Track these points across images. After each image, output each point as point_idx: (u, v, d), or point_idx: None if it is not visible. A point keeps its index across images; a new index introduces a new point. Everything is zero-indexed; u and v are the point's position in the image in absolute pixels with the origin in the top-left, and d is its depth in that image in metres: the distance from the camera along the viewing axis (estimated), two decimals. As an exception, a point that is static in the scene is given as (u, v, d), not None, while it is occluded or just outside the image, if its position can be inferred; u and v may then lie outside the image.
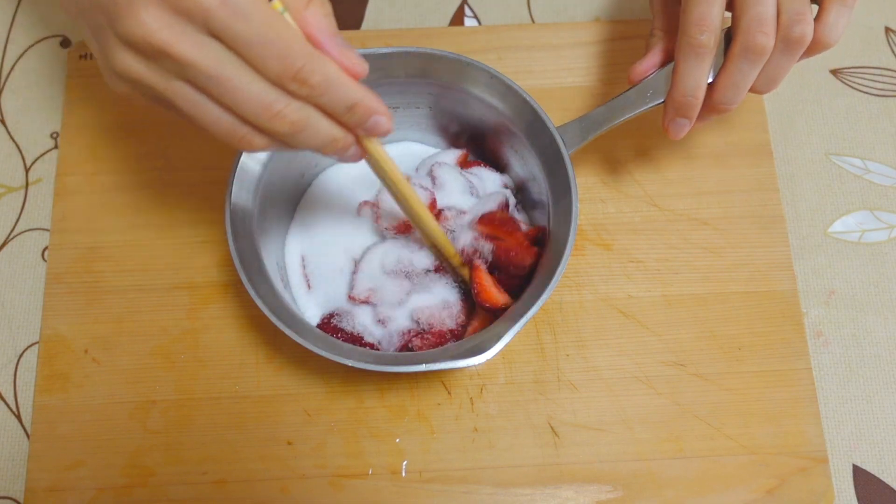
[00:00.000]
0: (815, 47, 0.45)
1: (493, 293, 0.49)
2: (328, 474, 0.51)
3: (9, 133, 0.60)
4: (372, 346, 0.51)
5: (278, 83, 0.34)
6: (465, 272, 0.51)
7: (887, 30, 0.63)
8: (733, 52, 0.44)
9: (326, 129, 0.36)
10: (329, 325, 0.51)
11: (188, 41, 0.32)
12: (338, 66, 0.35)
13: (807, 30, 0.43)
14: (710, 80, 0.46)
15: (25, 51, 0.62)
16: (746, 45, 0.43)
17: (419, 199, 0.46)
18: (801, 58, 0.45)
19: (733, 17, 0.45)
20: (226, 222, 0.47)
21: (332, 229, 0.55)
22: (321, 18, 0.35)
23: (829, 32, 0.44)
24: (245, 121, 0.35)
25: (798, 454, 0.52)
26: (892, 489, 0.52)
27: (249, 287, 0.45)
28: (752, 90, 0.46)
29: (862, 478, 0.52)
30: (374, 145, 0.40)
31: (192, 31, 0.32)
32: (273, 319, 0.45)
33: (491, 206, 0.51)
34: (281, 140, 0.36)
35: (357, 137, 0.38)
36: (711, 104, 0.46)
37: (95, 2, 0.34)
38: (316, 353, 0.44)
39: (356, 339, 0.50)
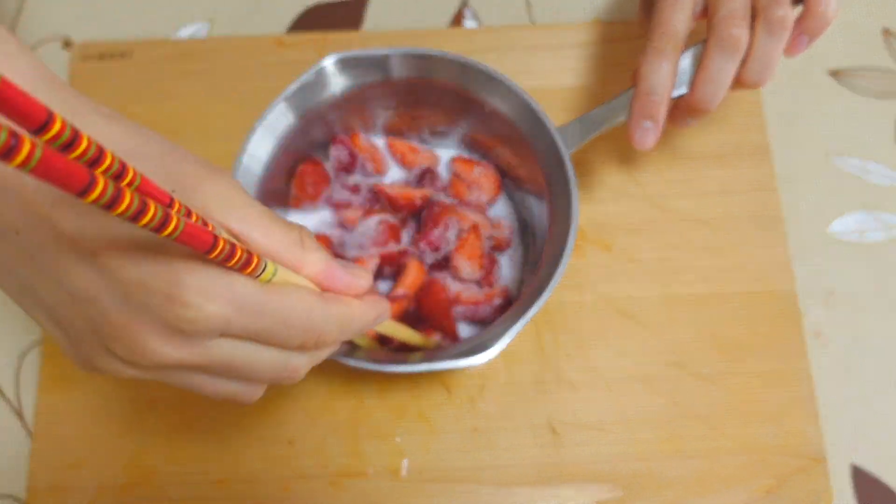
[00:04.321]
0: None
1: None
2: (329, 474, 0.51)
3: (11, 134, 0.60)
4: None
5: (300, 349, 0.33)
6: (430, 344, 0.50)
7: (886, 31, 0.63)
8: (708, 47, 0.45)
9: (335, 348, 0.36)
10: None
11: (199, 350, 0.30)
12: (347, 298, 0.34)
13: (787, 12, 0.44)
14: (681, 92, 0.47)
15: (27, 52, 0.62)
16: (720, 38, 0.44)
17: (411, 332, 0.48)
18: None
19: (708, 18, 0.46)
20: (226, 222, 0.47)
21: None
22: (317, 262, 0.32)
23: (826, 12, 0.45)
24: (263, 382, 0.35)
25: (797, 454, 0.52)
26: (891, 489, 0.52)
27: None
28: (748, 84, 0.46)
29: (861, 478, 0.52)
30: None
31: (201, 342, 0.29)
32: (273, 319, 0.45)
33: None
34: None
35: None
36: (692, 103, 0.46)
37: (83, 313, 0.29)
38: (316, 352, 0.44)
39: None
